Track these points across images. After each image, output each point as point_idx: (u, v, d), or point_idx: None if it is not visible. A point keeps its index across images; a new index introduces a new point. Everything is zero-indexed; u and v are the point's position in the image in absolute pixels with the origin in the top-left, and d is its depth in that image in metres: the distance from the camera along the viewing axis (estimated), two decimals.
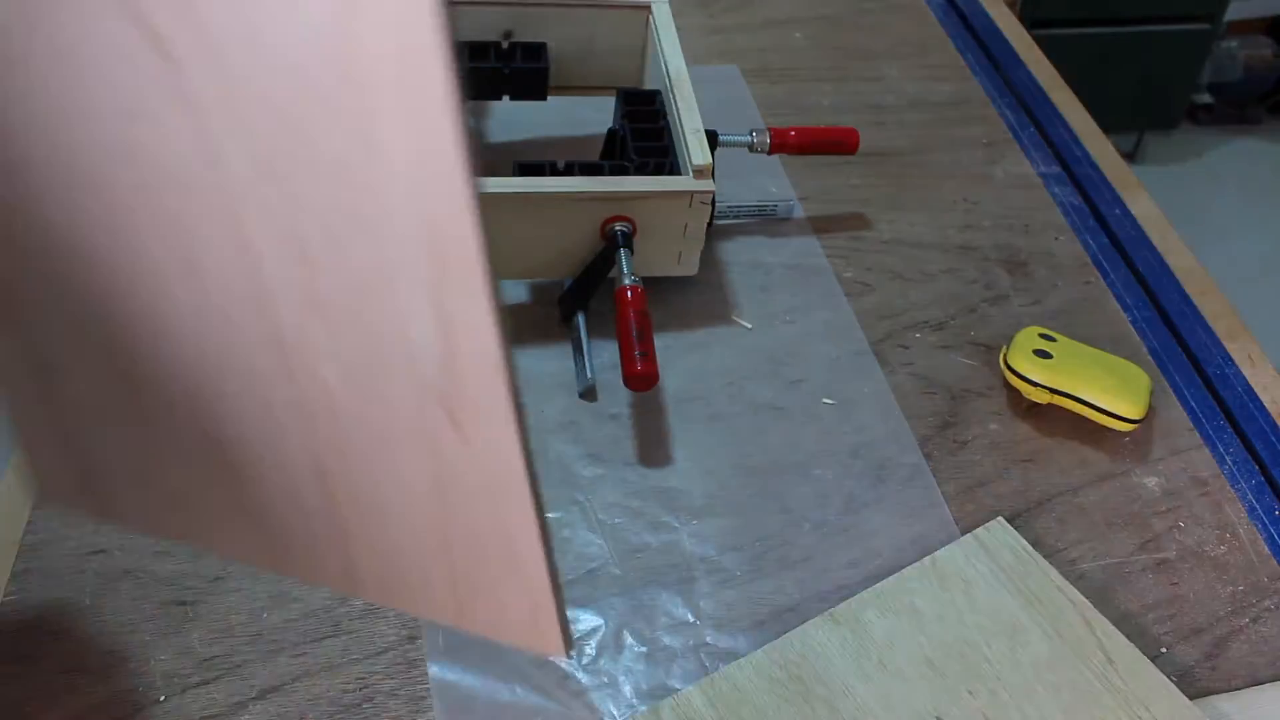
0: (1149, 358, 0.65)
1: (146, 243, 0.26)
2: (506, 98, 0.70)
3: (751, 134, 0.69)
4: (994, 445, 0.60)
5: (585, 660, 0.49)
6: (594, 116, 0.72)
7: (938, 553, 0.53)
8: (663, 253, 0.62)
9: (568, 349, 0.62)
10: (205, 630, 0.49)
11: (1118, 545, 0.55)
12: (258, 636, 0.49)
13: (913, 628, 0.50)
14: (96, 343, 0.29)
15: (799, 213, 0.73)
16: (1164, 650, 0.51)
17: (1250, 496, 0.58)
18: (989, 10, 0.96)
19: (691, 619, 0.51)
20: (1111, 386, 0.59)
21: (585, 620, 0.51)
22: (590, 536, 0.54)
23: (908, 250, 0.71)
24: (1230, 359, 0.66)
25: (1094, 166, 0.80)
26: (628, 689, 0.48)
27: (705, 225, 0.62)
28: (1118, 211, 0.76)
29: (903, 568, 0.52)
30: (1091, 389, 0.59)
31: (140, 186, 0.25)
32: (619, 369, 0.56)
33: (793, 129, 0.70)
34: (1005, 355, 0.61)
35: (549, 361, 0.61)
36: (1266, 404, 0.63)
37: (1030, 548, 0.53)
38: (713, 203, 0.61)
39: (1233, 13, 2.02)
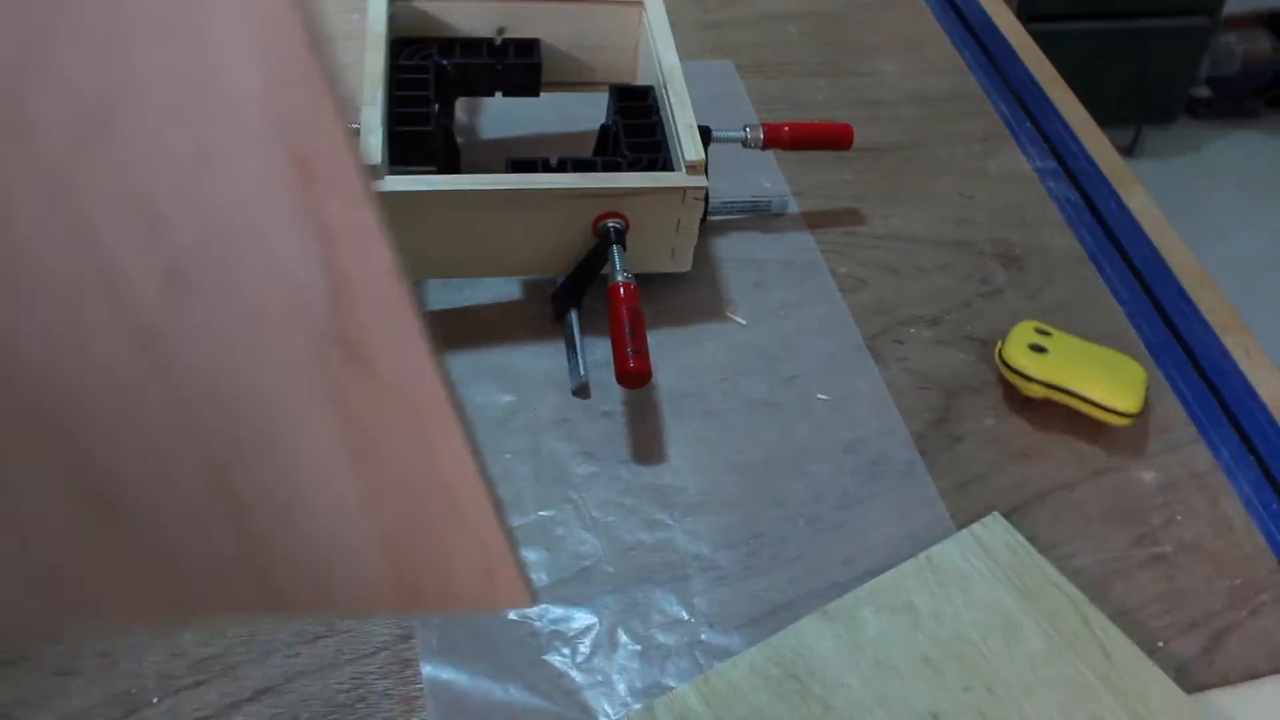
0: (1145, 352, 0.65)
1: None
2: (499, 94, 0.69)
3: (745, 129, 0.69)
4: (989, 440, 0.59)
5: (579, 659, 0.49)
6: (587, 113, 0.71)
7: (933, 549, 0.53)
8: (656, 249, 0.62)
9: (560, 346, 0.62)
10: (198, 631, 0.48)
11: (1114, 540, 0.55)
12: (251, 637, 0.48)
13: (908, 624, 0.49)
14: None
15: (793, 208, 0.72)
16: (1161, 645, 0.51)
17: (1247, 490, 0.58)
18: (985, 5, 0.96)
19: (686, 616, 0.51)
20: (1107, 381, 0.58)
21: (579, 618, 0.50)
22: (584, 534, 0.53)
23: (902, 245, 0.71)
24: (1227, 353, 0.66)
25: (1090, 161, 0.79)
26: (622, 687, 0.48)
27: (698, 221, 0.61)
28: (1114, 206, 0.76)
29: (898, 564, 0.52)
30: (1087, 383, 0.58)
31: None
32: (612, 366, 0.56)
33: (787, 124, 0.70)
34: (1000, 350, 0.61)
35: (542, 359, 0.61)
36: (1263, 398, 0.63)
37: (1026, 543, 0.53)
38: (706, 199, 0.61)
39: (1230, 7, 2.02)
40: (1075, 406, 0.59)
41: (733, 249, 0.69)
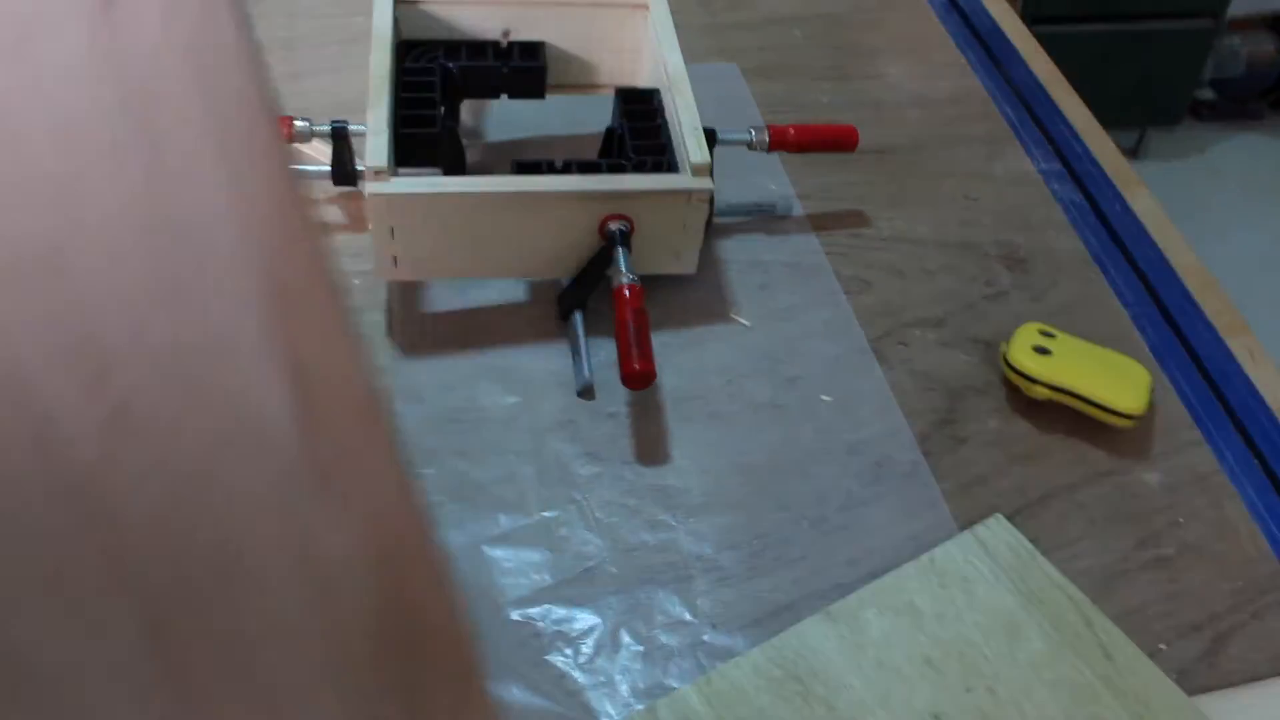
0: (1149, 354, 0.65)
1: None
2: (504, 96, 0.70)
3: (750, 132, 0.69)
4: (993, 442, 0.60)
5: (582, 659, 0.49)
6: (592, 115, 0.71)
7: (936, 550, 0.53)
8: (661, 251, 0.62)
9: (565, 348, 0.62)
10: None
11: (1117, 542, 0.55)
12: None
13: (911, 625, 0.49)
14: None
15: (798, 210, 0.73)
16: (1163, 647, 0.51)
17: (1250, 493, 0.58)
18: (989, 7, 0.96)
19: (689, 617, 0.51)
20: (1111, 383, 0.58)
21: (582, 619, 0.50)
22: (587, 535, 0.54)
23: (907, 247, 0.71)
24: (1231, 355, 0.66)
25: (1094, 163, 0.79)
26: (625, 688, 0.48)
27: (704, 223, 0.62)
28: (1118, 208, 0.76)
29: (901, 565, 0.52)
30: (1091, 385, 0.58)
31: None
32: (617, 367, 0.56)
33: (792, 127, 0.70)
34: (1005, 352, 0.61)
35: (547, 360, 0.61)
36: (1267, 400, 0.63)
37: (1029, 545, 0.53)
38: (711, 201, 0.61)
39: (1235, 9, 2.01)
40: (1079, 408, 0.59)
41: (737, 251, 0.69)
